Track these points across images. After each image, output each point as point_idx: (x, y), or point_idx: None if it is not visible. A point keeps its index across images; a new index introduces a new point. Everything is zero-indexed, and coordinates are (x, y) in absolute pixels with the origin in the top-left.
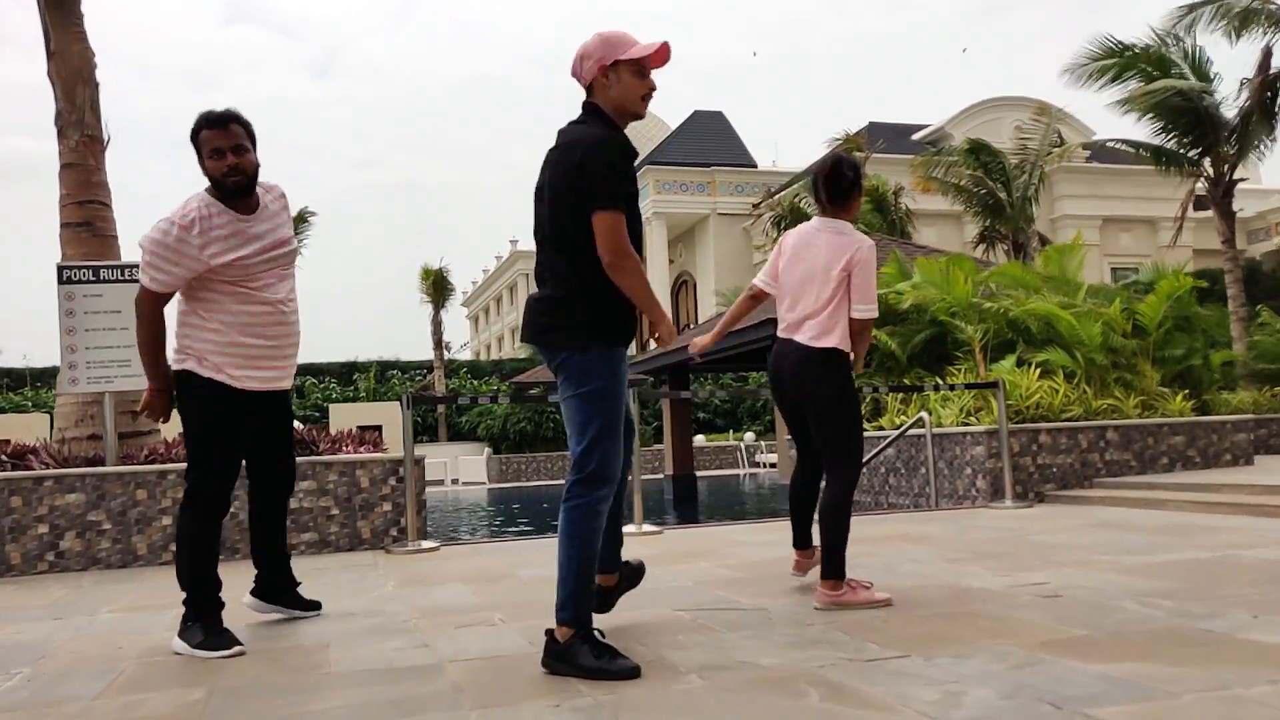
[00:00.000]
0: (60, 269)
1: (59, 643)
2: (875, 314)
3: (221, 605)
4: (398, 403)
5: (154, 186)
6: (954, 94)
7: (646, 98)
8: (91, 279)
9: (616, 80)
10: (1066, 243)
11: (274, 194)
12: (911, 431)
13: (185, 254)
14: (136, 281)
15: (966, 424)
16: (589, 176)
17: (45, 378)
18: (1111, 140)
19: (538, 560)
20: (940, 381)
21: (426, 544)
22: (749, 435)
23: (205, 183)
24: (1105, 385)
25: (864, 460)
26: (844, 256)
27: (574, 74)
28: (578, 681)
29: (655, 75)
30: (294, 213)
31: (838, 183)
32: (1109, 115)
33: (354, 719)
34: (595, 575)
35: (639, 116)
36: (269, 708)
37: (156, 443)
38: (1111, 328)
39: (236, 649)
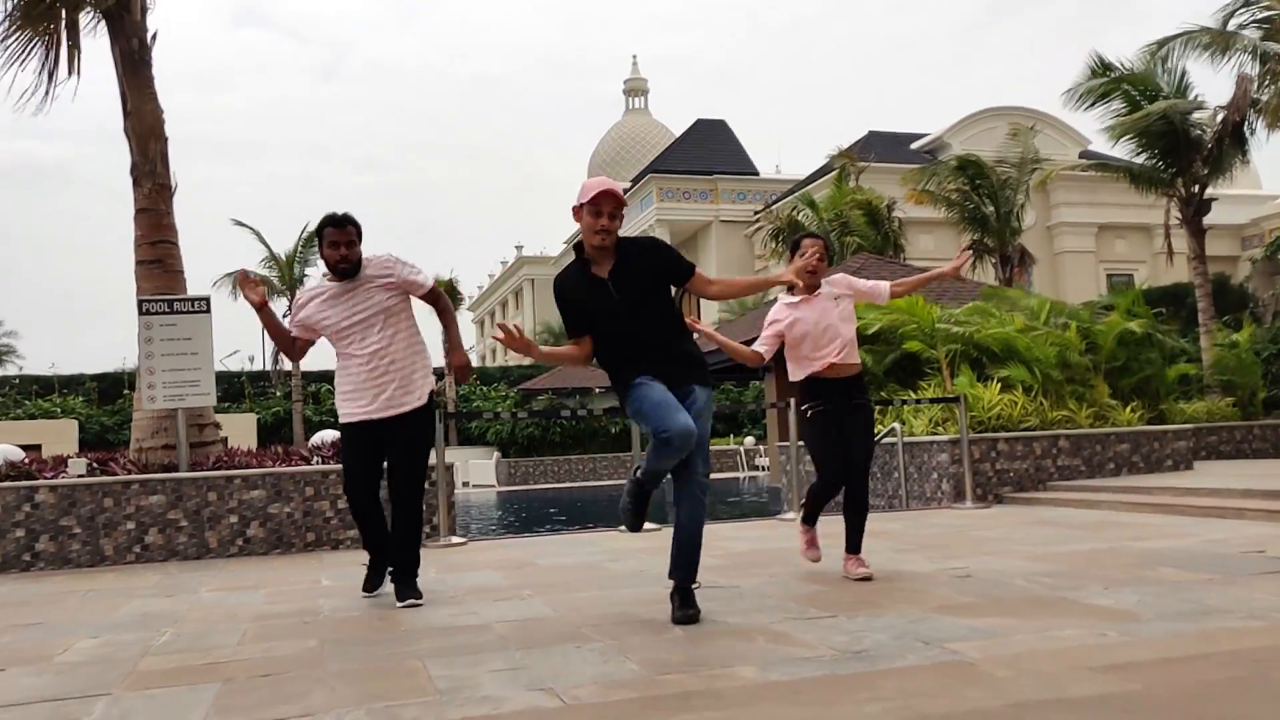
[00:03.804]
0: (140, 302)
1: (183, 611)
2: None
3: (377, 564)
4: None
5: None
6: (960, 96)
7: (600, 232)
8: (166, 310)
9: (580, 217)
10: (1061, 270)
11: (375, 266)
12: (885, 440)
13: (299, 314)
14: (204, 312)
15: (934, 433)
16: None
17: (72, 385)
18: (1091, 161)
19: (554, 552)
20: (910, 395)
21: (456, 539)
22: (748, 439)
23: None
24: (1060, 398)
25: (831, 465)
26: None
27: None
28: (591, 630)
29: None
30: (314, 228)
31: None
32: (1101, 125)
33: (436, 657)
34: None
35: (596, 249)
36: (371, 651)
37: (219, 451)
38: (1067, 347)
39: (370, 595)
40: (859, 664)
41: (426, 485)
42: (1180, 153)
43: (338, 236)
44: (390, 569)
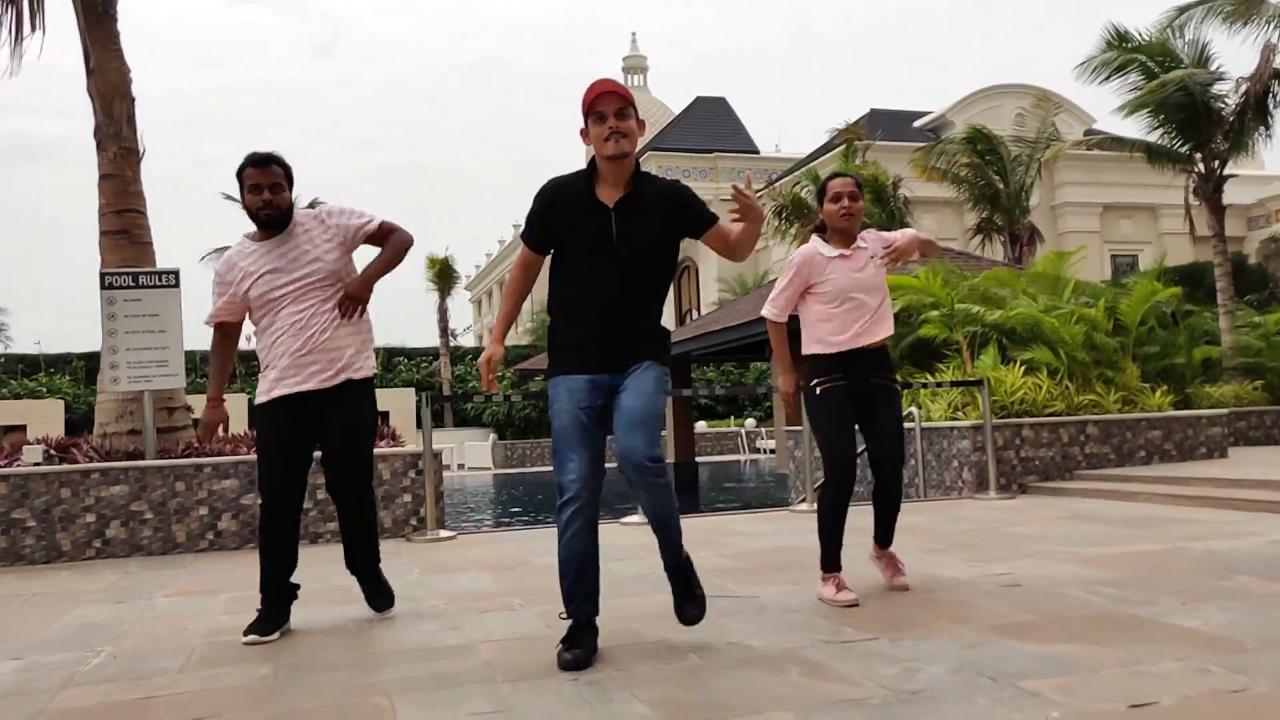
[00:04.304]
0: (102, 275)
1: (128, 624)
2: (765, 314)
3: (276, 599)
4: (405, 390)
5: (159, 165)
6: (962, 74)
7: (611, 137)
8: (131, 284)
9: (588, 134)
10: (1066, 251)
11: (310, 220)
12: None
13: (223, 292)
14: (173, 287)
15: (954, 419)
16: None
17: (59, 364)
18: (1103, 137)
19: (550, 549)
20: (929, 378)
21: (444, 533)
22: (749, 421)
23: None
24: (1087, 381)
25: (842, 456)
26: None
27: None
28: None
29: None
30: (305, 203)
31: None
32: (1111, 103)
33: (408, 692)
34: (568, 577)
35: (611, 159)
36: (332, 682)
37: (190, 437)
38: (1094, 327)
39: (254, 639)
40: (919, 712)
41: (413, 475)
42: (1199, 126)
43: (260, 178)
44: (351, 569)
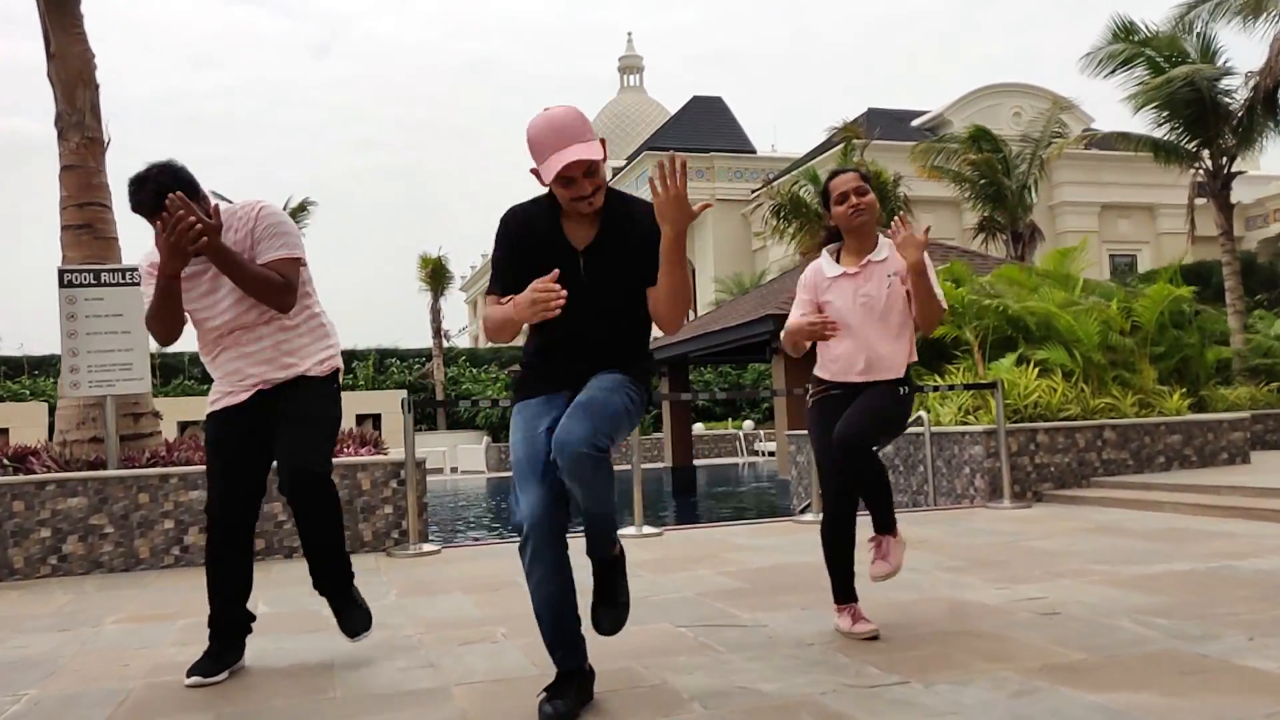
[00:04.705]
0: (61, 272)
1: (65, 659)
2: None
3: (226, 633)
4: (396, 392)
5: None
6: (958, 74)
7: (581, 200)
8: (92, 282)
9: (543, 180)
10: (1069, 247)
11: (240, 217)
12: (910, 430)
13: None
14: (138, 285)
15: (965, 423)
16: None
17: (43, 366)
18: (1108, 133)
19: None
20: (939, 380)
21: (428, 546)
22: (747, 424)
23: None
24: (1103, 384)
25: (831, 474)
26: None
27: None
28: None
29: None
30: (296, 203)
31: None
32: (1108, 102)
33: None
34: (543, 627)
35: (583, 213)
36: None
37: (158, 445)
38: (1110, 326)
39: (197, 680)
40: None
41: (394, 484)
42: (1207, 122)
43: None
44: (315, 587)
